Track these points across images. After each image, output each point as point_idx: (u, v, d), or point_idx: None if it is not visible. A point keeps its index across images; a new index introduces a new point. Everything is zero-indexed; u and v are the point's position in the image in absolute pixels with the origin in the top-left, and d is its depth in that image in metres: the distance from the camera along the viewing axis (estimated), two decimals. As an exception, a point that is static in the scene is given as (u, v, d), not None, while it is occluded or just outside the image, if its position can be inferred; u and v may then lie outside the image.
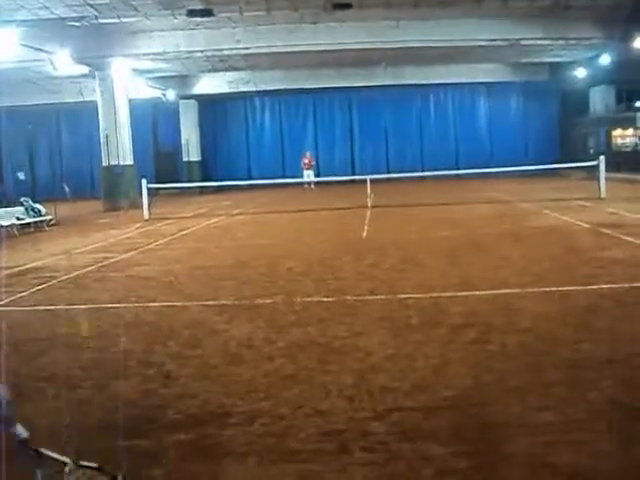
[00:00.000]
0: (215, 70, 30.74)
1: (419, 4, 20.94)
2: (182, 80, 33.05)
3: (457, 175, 27.12)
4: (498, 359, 5.46)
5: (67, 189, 25.59)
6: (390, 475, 3.66)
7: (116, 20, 20.54)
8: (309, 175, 31.99)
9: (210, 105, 36.93)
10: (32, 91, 30.58)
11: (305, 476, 3.68)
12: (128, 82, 25.97)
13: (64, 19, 19.55)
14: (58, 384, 5.34)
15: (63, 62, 21.36)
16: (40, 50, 20.52)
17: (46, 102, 31.99)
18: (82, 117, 33.38)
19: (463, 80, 34.18)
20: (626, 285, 7.93)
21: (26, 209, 18.70)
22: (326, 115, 38.43)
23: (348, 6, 20.35)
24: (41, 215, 18.96)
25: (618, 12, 22.96)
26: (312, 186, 31.42)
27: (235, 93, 34.62)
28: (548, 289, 7.95)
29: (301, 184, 31.41)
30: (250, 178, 34.62)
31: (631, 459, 3.69)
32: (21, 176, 33.33)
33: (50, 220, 19.17)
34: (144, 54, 23.90)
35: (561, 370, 5.12)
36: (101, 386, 5.29)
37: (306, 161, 33.16)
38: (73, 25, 20.25)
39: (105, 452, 4.08)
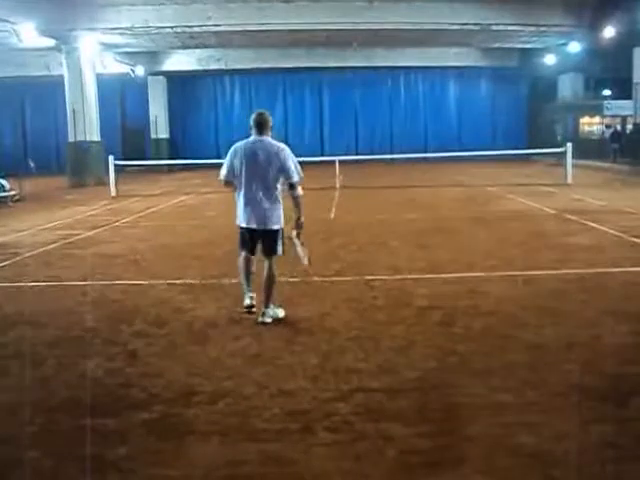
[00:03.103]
0: (185, 47, 30.29)
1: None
2: (151, 56, 32.51)
3: (426, 158, 27.16)
4: (462, 341, 5.52)
5: (32, 164, 25.06)
6: (354, 455, 3.68)
7: (84, -8, 20.15)
8: None
9: (179, 82, 36.46)
10: (-4, 63, 29.85)
11: (269, 456, 3.69)
12: (96, 57, 25.48)
13: (30, -12, 19.12)
14: (22, 361, 5.28)
15: (28, 34, 20.76)
16: (4, 21, 19.94)
17: (11, 75, 31.20)
18: (49, 91, 32.61)
19: (434, 64, 34.15)
20: (589, 270, 8.07)
21: (-11, 184, 18.33)
22: (296, 95, 38.17)
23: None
24: (5, 190, 18.53)
25: (588, 1, 23.18)
26: None
27: (205, 71, 34.25)
28: (513, 273, 8.04)
29: None
30: (218, 157, 33.93)
31: (588, 440, 3.77)
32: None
33: (14, 196, 18.77)
34: (112, 28, 23.43)
35: (524, 353, 5.21)
36: (65, 364, 5.24)
37: None
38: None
39: (69, 431, 4.06)
